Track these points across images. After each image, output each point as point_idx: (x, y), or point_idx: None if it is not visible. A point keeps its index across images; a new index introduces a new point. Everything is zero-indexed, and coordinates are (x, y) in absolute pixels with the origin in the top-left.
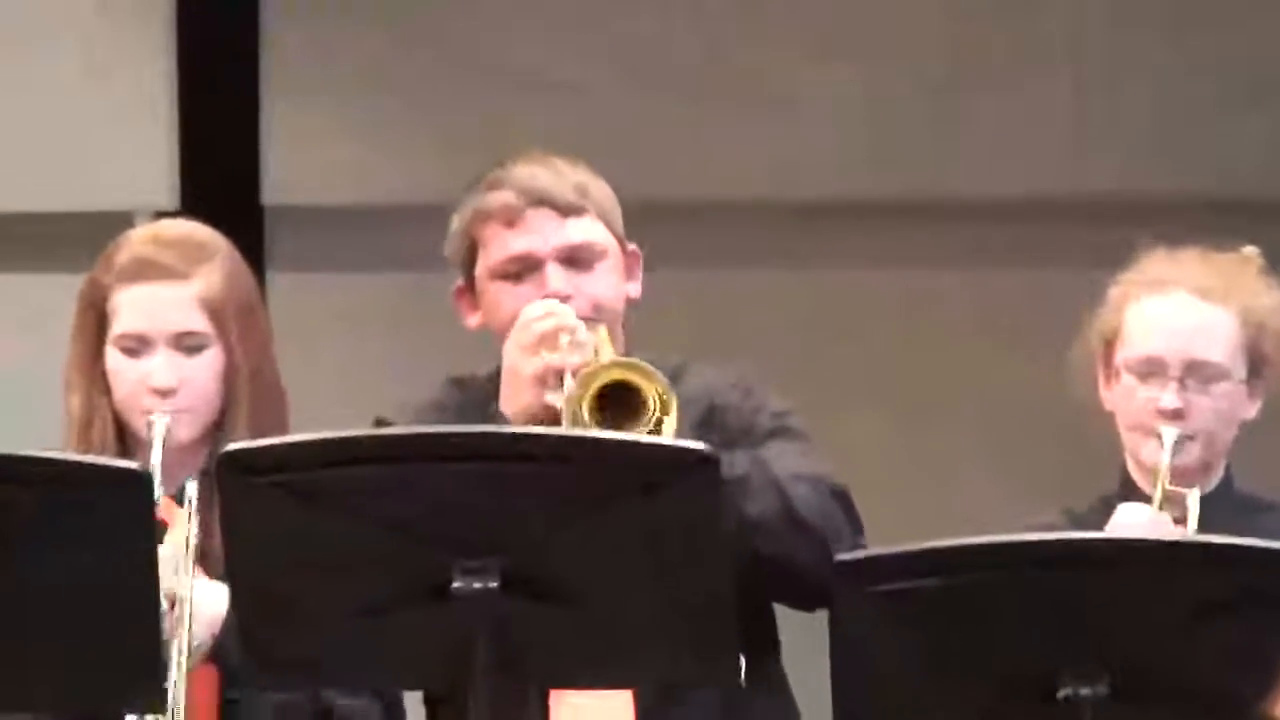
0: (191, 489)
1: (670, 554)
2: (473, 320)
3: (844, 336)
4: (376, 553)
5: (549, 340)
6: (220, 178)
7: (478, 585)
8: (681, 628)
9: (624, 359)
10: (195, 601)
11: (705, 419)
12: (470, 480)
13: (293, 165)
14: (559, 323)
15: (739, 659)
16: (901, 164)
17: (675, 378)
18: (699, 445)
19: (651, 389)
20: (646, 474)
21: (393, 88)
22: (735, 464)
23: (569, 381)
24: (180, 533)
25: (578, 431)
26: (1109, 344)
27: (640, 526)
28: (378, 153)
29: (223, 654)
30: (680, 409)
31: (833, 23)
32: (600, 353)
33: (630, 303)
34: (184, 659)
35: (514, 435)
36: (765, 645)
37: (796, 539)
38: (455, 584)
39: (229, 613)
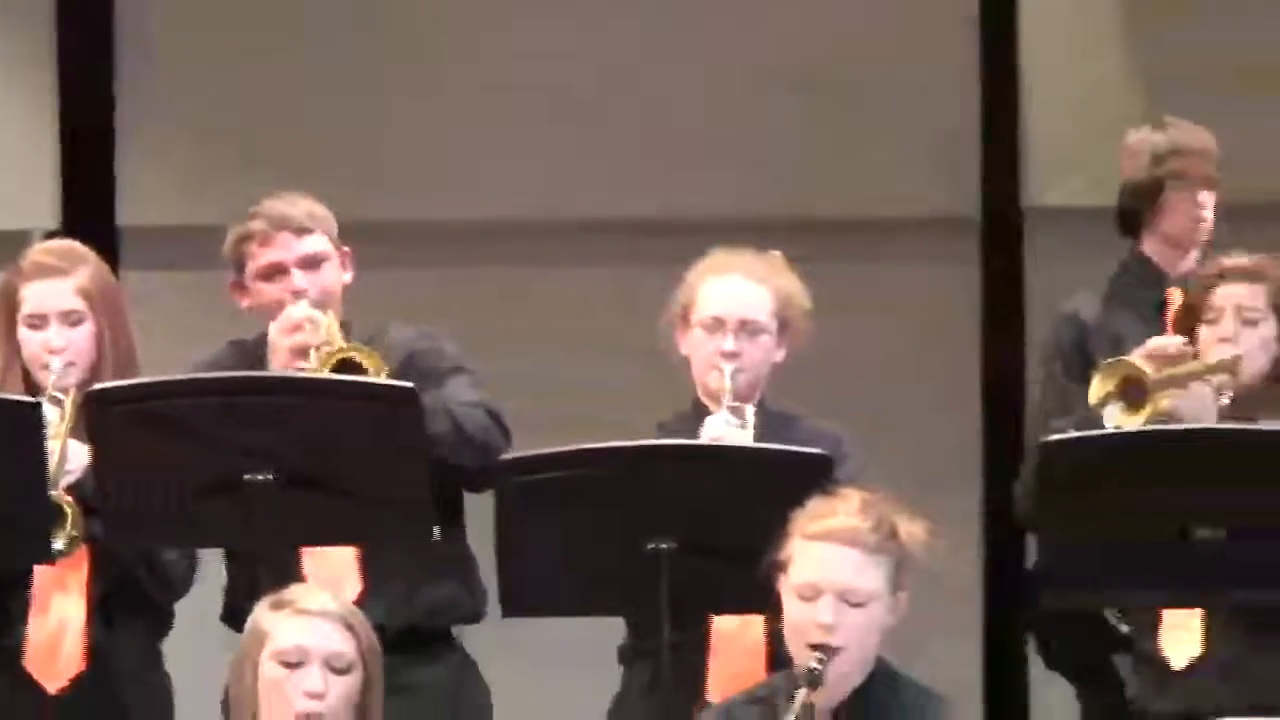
0: (71, 393)
1: (387, 456)
2: (244, 303)
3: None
4: (193, 457)
5: (298, 327)
6: (87, 202)
7: (260, 478)
8: (392, 503)
9: (349, 344)
10: (68, 451)
11: (405, 363)
12: (254, 409)
13: (140, 192)
14: (304, 315)
15: (432, 524)
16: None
17: (379, 334)
18: (406, 384)
19: (368, 360)
20: (372, 402)
21: (223, 133)
22: (422, 400)
23: (313, 355)
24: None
25: (324, 374)
26: (686, 308)
27: (366, 437)
28: (204, 182)
29: (82, 488)
30: (387, 365)
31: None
32: (332, 335)
33: (346, 287)
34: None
35: (283, 378)
36: (452, 516)
37: (463, 448)
38: (245, 477)
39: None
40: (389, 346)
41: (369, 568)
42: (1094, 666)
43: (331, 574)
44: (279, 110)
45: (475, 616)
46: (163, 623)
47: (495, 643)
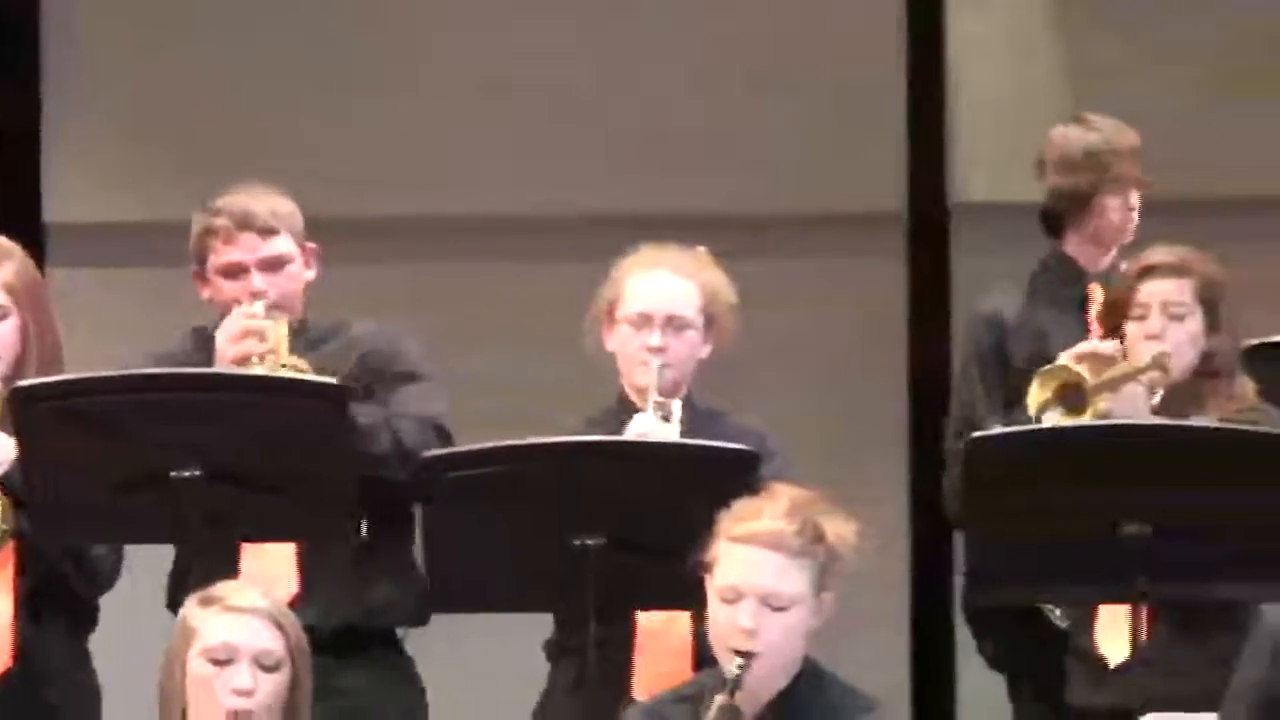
0: None
1: (311, 453)
2: (206, 293)
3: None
4: (120, 453)
5: (245, 336)
6: (13, 199)
7: (188, 474)
8: (316, 501)
9: (292, 358)
10: None
11: (361, 359)
12: (180, 406)
13: (67, 190)
14: (251, 325)
15: (357, 522)
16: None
17: (342, 328)
18: (332, 380)
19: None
20: (300, 399)
21: (152, 133)
22: (367, 414)
23: (256, 363)
24: None
25: (257, 372)
26: (612, 304)
27: (293, 434)
28: (132, 184)
29: (10, 481)
30: (344, 360)
31: None
32: (280, 345)
33: (309, 285)
34: None
35: (208, 375)
36: (394, 525)
37: (403, 467)
38: (173, 474)
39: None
40: (350, 340)
41: (307, 566)
42: (1032, 664)
43: (269, 572)
44: (207, 105)
45: (419, 619)
46: (89, 618)
47: (426, 639)
